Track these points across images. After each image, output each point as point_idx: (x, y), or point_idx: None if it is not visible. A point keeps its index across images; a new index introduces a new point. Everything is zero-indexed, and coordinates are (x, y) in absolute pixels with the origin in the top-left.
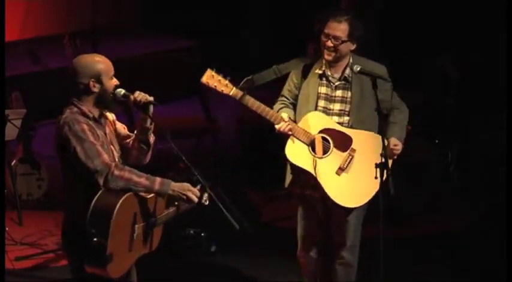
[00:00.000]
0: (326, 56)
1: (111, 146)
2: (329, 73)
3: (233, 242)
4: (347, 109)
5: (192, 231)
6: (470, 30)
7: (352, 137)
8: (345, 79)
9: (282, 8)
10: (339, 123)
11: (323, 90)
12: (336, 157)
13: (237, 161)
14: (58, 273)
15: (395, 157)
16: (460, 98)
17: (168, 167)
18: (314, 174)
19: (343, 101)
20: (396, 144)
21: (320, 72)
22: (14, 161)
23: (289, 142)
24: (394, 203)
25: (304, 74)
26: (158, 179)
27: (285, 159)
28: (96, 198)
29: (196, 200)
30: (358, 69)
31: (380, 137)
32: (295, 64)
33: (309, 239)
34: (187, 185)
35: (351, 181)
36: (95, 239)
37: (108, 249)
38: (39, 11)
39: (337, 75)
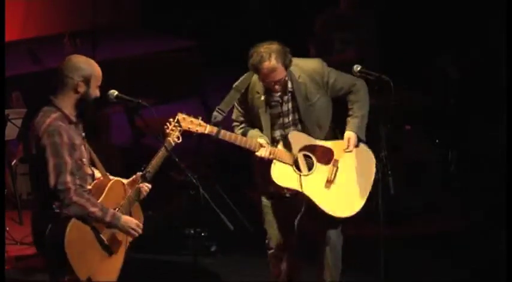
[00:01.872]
0: (276, 91)
1: (86, 149)
2: (273, 94)
3: (233, 242)
4: (298, 117)
5: (192, 231)
6: (470, 30)
7: (332, 148)
8: (289, 91)
9: (282, 7)
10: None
11: (272, 111)
12: (321, 171)
13: (237, 160)
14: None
15: (349, 150)
16: (460, 98)
17: (168, 166)
18: (303, 191)
19: (293, 111)
20: (350, 143)
21: (263, 98)
22: (15, 161)
23: (273, 167)
24: (394, 202)
25: (246, 98)
26: (111, 211)
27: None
28: (46, 236)
29: (135, 236)
30: (359, 69)
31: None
32: (248, 77)
33: (280, 238)
34: (135, 222)
35: (341, 191)
36: (66, 279)
37: (81, 277)
38: (39, 11)
39: (280, 93)
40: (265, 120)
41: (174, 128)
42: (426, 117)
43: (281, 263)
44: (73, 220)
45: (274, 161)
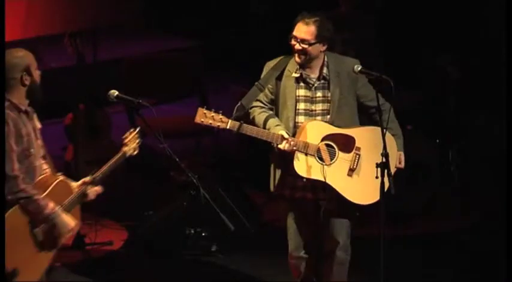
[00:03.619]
0: (296, 59)
1: (38, 141)
2: (306, 74)
3: (233, 242)
4: (329, 108)
5: (192, 231)
6: (470, 29)
7: (354, 136)
8: (324, 78)
9: (282, 7)
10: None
11: (302, 92)
12: (344, 160)
13: (238, 160)
14: (57, 273)
15: (401, 166)
16: (460, 98)
17: (169, 166)
18: (326, 181)
19: (324, 100)
20: (401, 160)
21: (296, 75)
22: None
23: (295, 158)
24: (394, 202)
25: (278, 78)
26: (51, 206)
27: (271, 162)
28: None
29: (66, 236)
30: (359, 69)
31: (378, 128)
32: (272, 73)
33: (299, 240)
34: (73, 224)
35: (363, 179)
36: None
37: (8, 267)
38: (41, 10)
39: (314, 76)
40: (291, 101)
41: (132, 139)
42: (427, 117)
43: (301, 265)
44: (11, 211)
45: (296, 153)
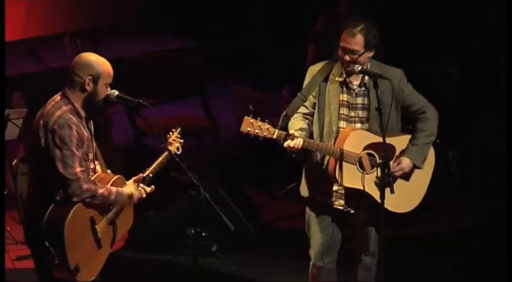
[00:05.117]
0: (346, 69)
1: (94, 143)
2: (350, 80)
3: (233, 241)
4: (368, 116)
5: (192, 231)
6: (470, 29)
7: (395, 144)
8: (365, 85)
9: (282, 7)
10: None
11: (344, 97)
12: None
13: (238, 160)
14: None
15: (395, 174)
16: (460, 98)
17: (169, 166)
18: (366, 190)
19: (364, 107)
20: (399, 164)
21: (341, 79)
22: (15, 161)
23: (337, 167)
24: None
25: (324, 81)
26: (113, 189)
27: (304, 166)
28: (46, 216)
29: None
30: (359, 69)
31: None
32: (316, 78)
33: (322, 248)
34: (137, 196)
35: (402, 187)
36: (56, 261)
37: (71, 263)
38: (41, 10)
39: (356, 82)
40: (335, 106)
41: (176, 139)
42: None
43: (322, 274)
44: (76, 207)
45: (338, 162)
